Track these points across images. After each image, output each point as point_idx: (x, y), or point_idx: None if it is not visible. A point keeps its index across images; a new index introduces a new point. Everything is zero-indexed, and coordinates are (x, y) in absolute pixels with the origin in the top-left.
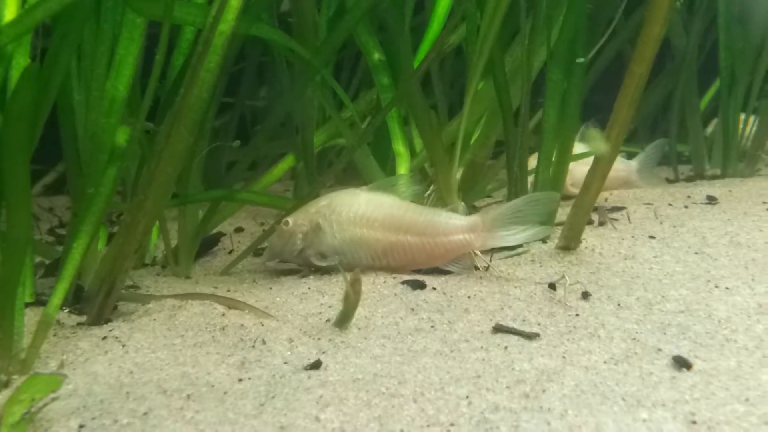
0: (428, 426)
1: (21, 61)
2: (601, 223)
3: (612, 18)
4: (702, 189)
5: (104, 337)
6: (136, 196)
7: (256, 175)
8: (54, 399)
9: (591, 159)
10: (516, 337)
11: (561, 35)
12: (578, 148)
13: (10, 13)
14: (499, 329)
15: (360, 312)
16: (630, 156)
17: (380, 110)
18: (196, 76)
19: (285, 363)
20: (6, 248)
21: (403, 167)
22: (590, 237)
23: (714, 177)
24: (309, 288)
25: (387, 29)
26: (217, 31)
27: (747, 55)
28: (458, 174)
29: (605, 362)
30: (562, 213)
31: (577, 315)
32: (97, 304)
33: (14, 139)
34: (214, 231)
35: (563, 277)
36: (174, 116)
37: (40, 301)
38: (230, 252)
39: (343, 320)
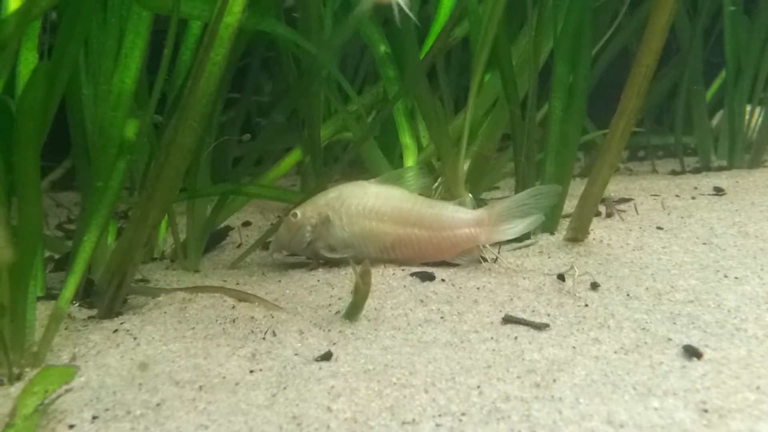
0: (440, 415)
1: (29, 56)
2: (609, 215)
3: (618, 10)
4: (709, 180)
5: (115, 330)
6: (144, 189)
7: (263, 170)
8: (67, 391)
9: None
10: (526, 328)
11: (566, 26)
12: None
13: (15, 2)
14: (508, 320)
15: (370, 304)
16: None
17: (387, 103)
18: (203, 68)
19: (296, 354)
20: (18, 242)
21: (410, 160)
22: (598, 228)
23: (720, 168)
24: (318, 280)
25: (392, 22)
26: (223, 23)
27: (753, 46)
28: (465, 166)
29: (615, 352)
30: (570, 205)
31: (587, 305)
32: (107, 297)
33: (25, 134)
34: (222, 225)
35: (572, 268)
36: (182, 109)
37: (51, 295)
38: (238, 246)
39: (353, 312)
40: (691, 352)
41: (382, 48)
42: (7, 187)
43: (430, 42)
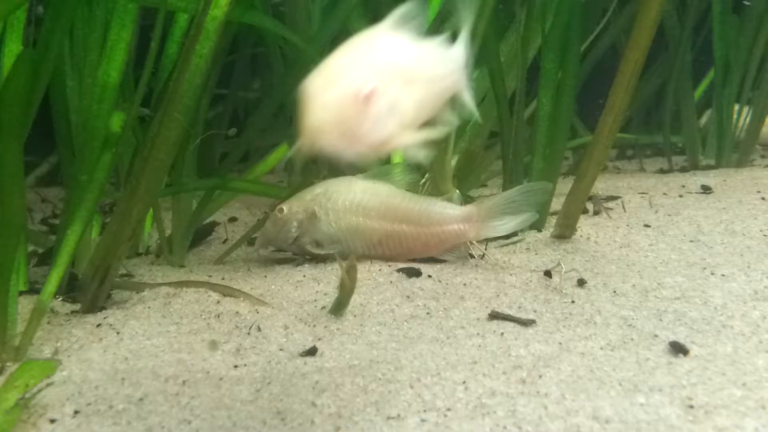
0: (425, 411)
1: (13, 48)
2: (596, 212)
3: (607, 7)
4: (696, 179)
5: (98, 325)
6: (129, 183)
7: (249, 166)
8: (49, 385)
9: None
10: (512, 324)
11: (555, 22)
12: None
13: None
14: (495, 316)
15: (355, 299)
16: None
17: None
18: (188, 60)
19: (281, 349)
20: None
21: (397, 156)
22: (585, 226)
23: (708, 167)
24: (304, 276)
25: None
26: (209, 15)
27: (741, 45)
28: (453, 162)
29: (602, 348)
30: (557, 202)
31: (573, 302)
32: (91, 291)
33: (8, 125)
34: (208, 220)
35: (559, 264)
36: (167, 102)
37: (33, 290)
38: (224, 241)
39: (338, 307)
40: (678, 349)
41: None
42: None
43: None
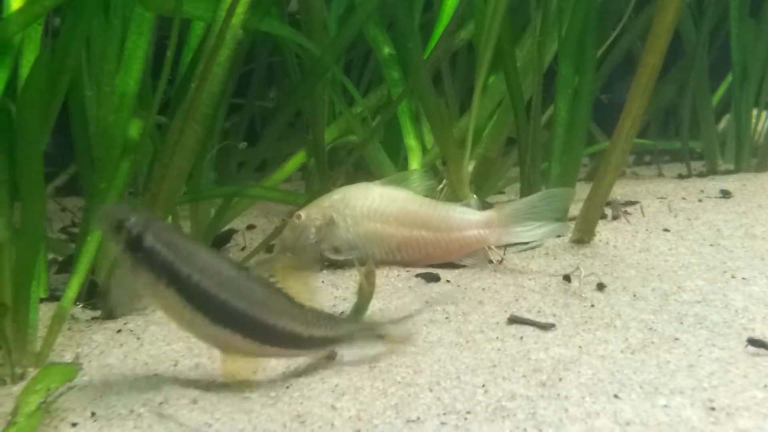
0: (445, 414)
1: (31, 58)
2: (615, 217)
3: (622, 12)
4: (715, 183)
5: (119, 331)
6: (148, 191)
7: (267, 175)
8: (70, 389)
9: None
10: (531, 328)
11: (570, 27)
12: None
13: (17, 1)
14: (514, 320)
15: (374, 304)
16: None
17: (391, 104)
18: (210, 69)
19: None
20: (20, 241)
21: (415, 162)
22: (604, 230)
23: (727, 172)
24: (323, 282)
25: (397, 25)
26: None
27: (759, 49)
28: (470, 168)
29: (622, 351)
30: (575, 208)
31: (593, 306)
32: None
33: (28, 129)
34: (226, 228)
35: (578, 268)
36: (186, 110)
37: (54, 297)
38: (243, 249)
39: (357, 312)
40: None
41: (386, 50)
42: (10, 189)
43: (433, 43)
